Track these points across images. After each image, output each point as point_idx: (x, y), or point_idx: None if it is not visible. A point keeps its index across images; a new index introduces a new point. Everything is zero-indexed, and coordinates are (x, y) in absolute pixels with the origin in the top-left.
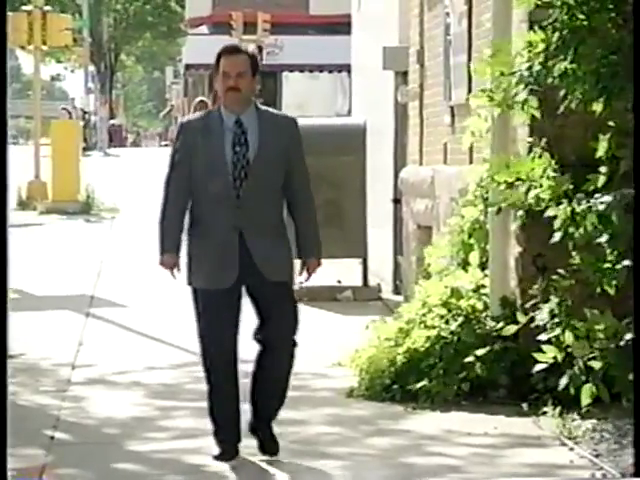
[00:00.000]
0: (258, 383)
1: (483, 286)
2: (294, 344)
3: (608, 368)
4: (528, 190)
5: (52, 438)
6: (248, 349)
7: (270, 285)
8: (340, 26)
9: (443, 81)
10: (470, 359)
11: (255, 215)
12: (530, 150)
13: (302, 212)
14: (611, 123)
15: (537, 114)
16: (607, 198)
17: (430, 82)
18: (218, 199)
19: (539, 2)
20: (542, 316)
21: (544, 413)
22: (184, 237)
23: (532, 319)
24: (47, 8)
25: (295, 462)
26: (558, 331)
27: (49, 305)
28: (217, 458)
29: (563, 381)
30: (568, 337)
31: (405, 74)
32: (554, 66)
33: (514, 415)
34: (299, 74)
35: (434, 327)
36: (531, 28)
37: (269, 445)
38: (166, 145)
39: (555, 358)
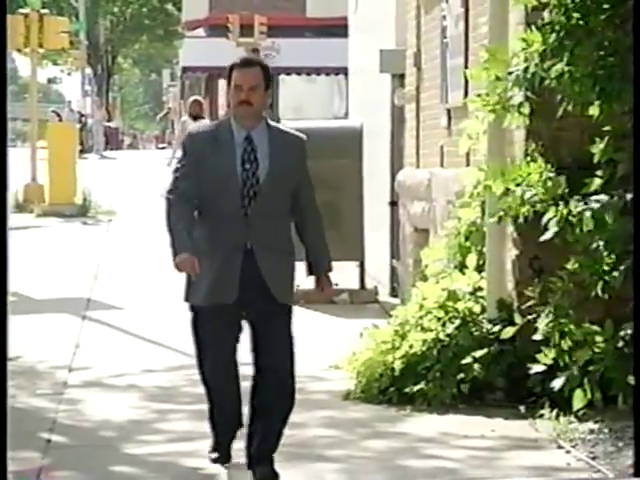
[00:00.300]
0: (256, 419)
1: (480, 289)
2: (292, 380)
3: (605, 370)
4: (524, 194)
5: (49, 441)
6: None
7: (276, 306)
8: (337, 29)
9: (440, 84)
10: (467, 361)
11: (263, 234)
12: (526, 153)
13: (311, 230)
14: (607, 127)
15: (528, 120)
16: (603, 197)
17: (427, 85)
18: (225, 216)
19: (536, 3)
20: (541, 325)
21: (541, 416)
22: None
23: (529, 322)
24: (44, 11)
25: (291, 465)
26: (556, 336)
27: (46, 308)
28: (214, 461)
29: (557, 383)
30: (565, 343)
31: (402, 77)
32: (550, 68)
33: (511, 418)
34: (296, 77)
35: (431, 330)
36: (528, 30)
37: None
38: (163, 148)
39: (554, 360)
